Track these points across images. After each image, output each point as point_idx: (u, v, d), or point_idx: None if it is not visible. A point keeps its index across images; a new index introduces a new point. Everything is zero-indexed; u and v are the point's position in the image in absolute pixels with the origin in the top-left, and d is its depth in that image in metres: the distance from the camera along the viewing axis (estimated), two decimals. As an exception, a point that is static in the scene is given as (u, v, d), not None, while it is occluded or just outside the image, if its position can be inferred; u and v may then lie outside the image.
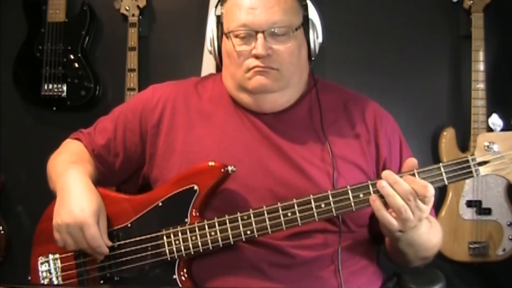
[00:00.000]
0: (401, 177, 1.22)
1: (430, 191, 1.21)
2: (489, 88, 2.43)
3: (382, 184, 1.22)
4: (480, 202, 2.40)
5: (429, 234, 1.34)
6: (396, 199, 1.21)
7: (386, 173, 1.23)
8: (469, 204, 2.41)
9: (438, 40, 2.60)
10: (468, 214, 2.41)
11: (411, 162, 1.26)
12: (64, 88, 2.61)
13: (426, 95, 2.60)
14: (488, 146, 1.23)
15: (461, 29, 2.54)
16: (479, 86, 2.42)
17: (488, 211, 2.40)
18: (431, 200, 1.22)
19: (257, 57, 1.36)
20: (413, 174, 1.24)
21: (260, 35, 1.35)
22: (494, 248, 2.40)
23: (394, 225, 1.23)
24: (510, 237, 2.39)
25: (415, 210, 1.21)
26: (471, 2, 2.45)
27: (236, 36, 1.38)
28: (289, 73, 1.40)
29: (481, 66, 2.42)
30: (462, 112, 2.54)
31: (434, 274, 1.55)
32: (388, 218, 1.22)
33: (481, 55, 2.42)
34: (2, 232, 2.66)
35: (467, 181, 2.40)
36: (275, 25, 1.36)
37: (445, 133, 2.46)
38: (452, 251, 2.40)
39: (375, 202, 1.23)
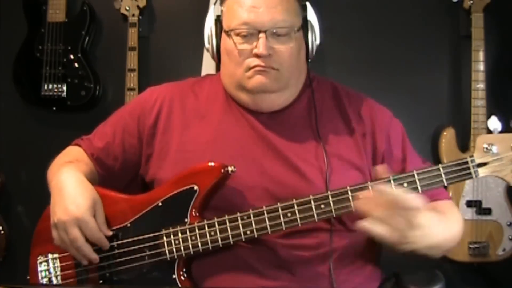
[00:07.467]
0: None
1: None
2: (489, 88, 2.43)
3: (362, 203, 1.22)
4: (480, 202, 2.40)
5: (445, 231, 1.33)
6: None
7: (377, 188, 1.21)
8: (469, 204, 2.41)
9: (438, 40, 2.60)
10: (468, 214, 2.40)
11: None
12: (64, 88, 2.61)
13: (426, 95, 2.60)
14: (487, 148, 1.24)
15: (461, 29, 2.54)
16: (479, 86, 2.42)
17: (488, 211, 2.40)
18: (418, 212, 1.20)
19: (258, 56, 1.35)
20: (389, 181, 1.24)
21: (262, 35, 1.34)
22: (494, 248, 2.40)
23: (387, 237, 1.20)
24: (510, 237, 2.39)
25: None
26: (471, 2, 2.45)
27: (237, 35, 1.37)
28: (288, 73, 1.40)
29: (481, 66, 2.42)
30: (462, 112, 2.54)
31: (434, 274, 1.55)
32: (380, 231, 1.20)
33: (481, 55, 2.42)
34: (2, 232, 2.66)
35: (467, 181, 2.40)
36: (277, 25, 1.36)
37: (445, 133, 2.46)
38: (452, 251, 2.39)
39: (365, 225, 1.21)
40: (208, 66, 2.43)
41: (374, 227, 1.20)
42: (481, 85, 2.42)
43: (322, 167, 1.37)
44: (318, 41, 1.46)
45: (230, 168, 1.33)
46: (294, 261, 1.33)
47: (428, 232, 1.24)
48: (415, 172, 1.24)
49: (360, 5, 2.63)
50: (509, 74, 2.54)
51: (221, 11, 1.44)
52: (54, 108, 2.66)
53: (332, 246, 1.35)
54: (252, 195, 1.34)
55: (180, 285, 1.34)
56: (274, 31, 1.36)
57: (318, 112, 1.44)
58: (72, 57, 2.62)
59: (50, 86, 2.60)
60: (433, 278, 1.51)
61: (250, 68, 1.37)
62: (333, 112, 1.46)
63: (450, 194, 2.41)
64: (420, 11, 2.61)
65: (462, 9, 2.48)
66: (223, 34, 1.42)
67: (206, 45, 1.48)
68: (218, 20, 1.44)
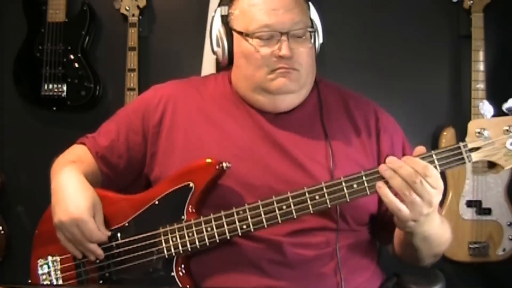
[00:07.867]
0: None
1: (431, 170, 1.19)
2: (489, 88, 2.42)
3: (384, 168, 1.21)
4: (480, 202, 2.40)
5: (441, 228, 1.33)
6: (399, 179, 1.19)
7: (390, 159, 1.22)
8: (469, 204, 2.40)
9: (438, 40, 2.60)
10: (468, 214, 2.40)
11: (421, 149, 1.25)
12: (64, 88, 2.61)
13: (426, 95, 2.61)
14: (479, 132, 1.23)
15: (461, 29, 2.54)
16: (479, 86, 2.42)
17: (488, 211, 2.39)
18: (437, 183, 1.20)
19: (281, 58, 1.36)
20: None
21: (284, 37, 1.36)
22: (494, 248, 2.40)
23: (403, 211, 1.20)
24: (510, 237, 2.39)
25: (423, 193, 1.19)
26: (471, 2, 2.45)
27: (258, 37, 1.38)
28: (307, 73, 1.42)
29: (481, 66, 2.42)
30: (462, 112, 2.53)
31: (434, 274, 1.55)
32: (396, 202, 1.20)
33: (481, 55, 2.42)
34: (2, 232, 2.66)
35: (467, 181, 2.40)
36: (297, 26, 1.37)
37: (445, 133, 2.46)
38: (452, 251, 2.40)
39: (381, 189, 1.22)
40: (208, 66, 2.43)
41: (388, 192, 1.21)
42: (481, 85, 2.42)
43: (329, 165, 1.38)
44: (321, 40, 1.48)
45: (225, 164, 1.33)
46: (299, 260, 1.33)
47: (432, 216, 1.24)
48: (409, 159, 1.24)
49: (360, 5, 2.63)
50: (509, 74, 2.54)
51: (229, 13, 1.44)
52: (54, 108, 2.66)
53: (338, 245, 1.35)
54: (257, 195, 1.34)
55: (179, 282, 1.34)
56: (294, 32, 1.37)
57: (325, 112, 1.45)
58: (72, 57, 2.62)
59: (50, 86, 2.61)
60: (433, 278, 1.52)
61: (273, 70, 1.38)
62: (340, 112, 1.47)
63: (450, 194, 2.42)
64: (420, 11, 2.61)
65: (462, 9, 2.48)
66: (238, 37, 1.42)
67: (215, 48, 1.48)
68: (227, 22, 1.45)
